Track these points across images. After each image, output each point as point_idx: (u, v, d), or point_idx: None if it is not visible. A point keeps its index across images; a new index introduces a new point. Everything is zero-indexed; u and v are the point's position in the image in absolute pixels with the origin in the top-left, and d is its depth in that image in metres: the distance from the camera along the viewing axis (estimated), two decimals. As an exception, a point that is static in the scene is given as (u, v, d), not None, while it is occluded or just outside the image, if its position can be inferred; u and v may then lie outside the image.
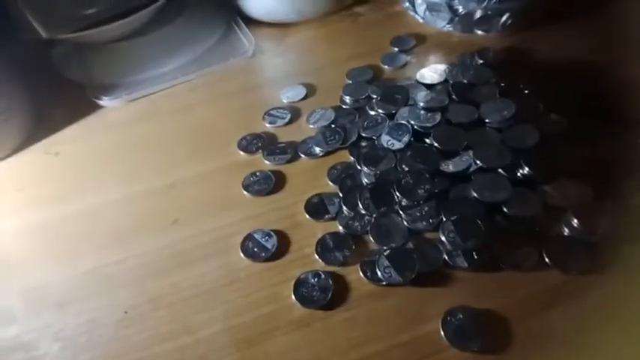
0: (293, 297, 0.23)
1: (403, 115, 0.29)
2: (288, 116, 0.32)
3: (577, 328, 0.20)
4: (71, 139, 0.35)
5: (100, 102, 0.37)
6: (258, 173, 0.29)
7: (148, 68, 0.39)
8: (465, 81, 0.30)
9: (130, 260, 0.26)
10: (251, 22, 0.41)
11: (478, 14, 0.35)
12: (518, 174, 0.25)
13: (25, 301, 0.26)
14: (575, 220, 0.23)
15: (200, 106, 0.36)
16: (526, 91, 0.29)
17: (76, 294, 0.25)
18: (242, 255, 0.25)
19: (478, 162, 0.25)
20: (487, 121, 0.27)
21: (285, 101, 0.34)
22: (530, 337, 0.20)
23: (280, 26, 0.41)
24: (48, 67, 0.40)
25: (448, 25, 0.36)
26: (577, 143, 0.26)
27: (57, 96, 0.38)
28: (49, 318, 0.24)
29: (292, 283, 0.23)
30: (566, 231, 0.23)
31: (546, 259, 0.22)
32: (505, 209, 0.24)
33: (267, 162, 0.30)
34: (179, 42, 0.40)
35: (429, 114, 0.28)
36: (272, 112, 0.33)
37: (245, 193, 0.28)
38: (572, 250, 0.22)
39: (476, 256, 0.22)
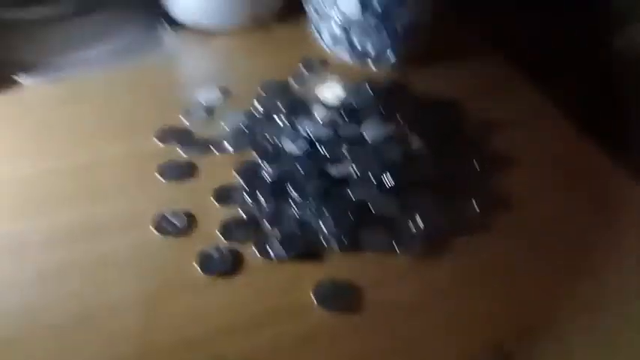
0: (196, 266, 0.27)
1: (303, 126, 0.35)
2: (204, 114, 0.37)
3: (415, 296, 0.27)
4: (-15, 113, 0.36)
5: (20, 80, 0.38)
6: (172, 162, 0.33)
7: (69, 52, 0.40)
8: (355, 105, 0.37)
9: (42, 229, 0.29)
10: (176, 25, 0.45)
11: (371, 51, 0.42)
12: (385, 180, 0.32)
13: None
14: (420, 219, 0.30)
15: (120, 96, 0.38)
16: (399, 117, 0.37)
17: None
18: (154, 230, 0.29)
19: (355, 169, 0.32)
20: (366, 137, 0.34)
21: (201, 101, 0.38)
22: (380, 302, 0.27)
23: (202, 33, 0.45)
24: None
25: (348, 56, 0.43)
26: (432, 161, 0.34)
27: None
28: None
29: (197, 255, 0.28)
30: (414, 227, 0.30)
31: (395, 246, 0.29)
32: (371, 207, 0.30)
33: (181, 152, 0.34)
34: (103, 31, 0.42)
35: (324, 127, 0.35)
36: (189, 109, 0.37)
37: (159, 177, 0.32)
38: (413, 241, 0.29)
39: (345, 241, 0.29)
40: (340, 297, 0.27)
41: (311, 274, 0.28)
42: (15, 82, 0.38)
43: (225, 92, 0.39)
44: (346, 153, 0.33)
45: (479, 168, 0.34)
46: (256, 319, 0.26)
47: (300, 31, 0.46)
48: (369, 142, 0.34)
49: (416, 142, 0.35)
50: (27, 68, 0.38)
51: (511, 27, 0.47)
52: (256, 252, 0.28)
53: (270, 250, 0.28)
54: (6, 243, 0.28)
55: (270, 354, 0.25)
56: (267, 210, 0.30)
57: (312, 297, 0.27)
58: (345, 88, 0.39)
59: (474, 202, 0.32)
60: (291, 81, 0.41)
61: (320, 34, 0.44)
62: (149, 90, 0.39)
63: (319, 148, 0.34)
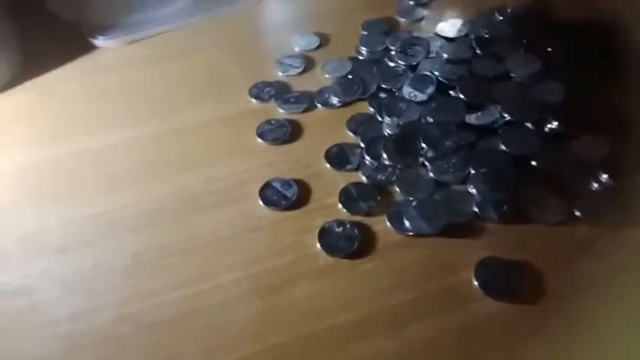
0: (317, 245, 0.22)
1: (426, 67, 0.28)
2: (302, 65, 0.31)
3: (609, 280, 0.20)
4: (65, 80, 0.32)
5: (96, 42, 0.34)
6: (273, 121, 0.28)
7: (147, 8, 0.36)
8: (487, 35, 0.30)
9: (137, 205, 0.25)
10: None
11: (498, -31, 0.33)
12: (546, 128, 0.24)
13: (21, 246, 0.24)
14: (604, 175, 0.22)
15: (206, 51, 0.33)
16: (549, 48, 0.29)
17: (77, 239, 0.24)
18: (261, 203, 0.24)
19: (506, 115, 0.25)
20: (513, 75, 0.27)
21: (297, 50, 0.32)
22: (563, 289, 0.20)
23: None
24: (39, 4, 0.37)
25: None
26: (603, 98, 0.25)
27: (49, 34, 0.35)
28: (49, 264, 0.23)
29: (316, 232, 0.22)
30: (595, 185, 0.23)
31: (577, 213, 0.22)
32: (534, 163, 0.23)
33: (281, 110, 0.28)
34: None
35: (454, 66, 0.27)
36: (284, 60, 0.31)
37: (259, 140, 0.27)
38: (601, 205, 0.22)
39: (506, 209, 0.22)
40: (511, 282, 0.20)
41: (466, 252, 0.21)
42: (91, 45, 0.34)
43: (323, 37, 0.33)
44: (490, 95, 0.26)
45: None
46: (396, 312, 0.20)
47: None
48: (517, 80, 0.26)
49: (577, 78, 0.26)
50: (103, 29, 0.34)
51: None
52: (389, 226, 0.22)
53: (407, 223, 0.22)
54: (96, 224, 0.24)
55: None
56: (395, 173, 0.24)
57: (473, 282, 0.20)
58: (468, 20, 0.31)
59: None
60: (399, 17, 0.34)
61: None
62: (237, 42, 0.34)
63: (450, 92, 0.27)
